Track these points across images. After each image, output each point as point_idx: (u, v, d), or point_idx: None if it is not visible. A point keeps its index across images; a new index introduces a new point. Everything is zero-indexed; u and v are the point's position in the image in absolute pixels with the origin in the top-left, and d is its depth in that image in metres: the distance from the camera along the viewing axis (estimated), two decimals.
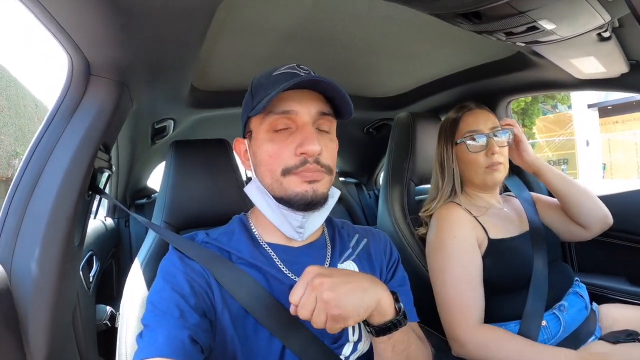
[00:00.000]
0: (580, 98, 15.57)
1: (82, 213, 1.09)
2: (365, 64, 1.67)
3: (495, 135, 1.41)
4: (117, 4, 0.80)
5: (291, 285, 0.86)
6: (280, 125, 0.89)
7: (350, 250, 0.99)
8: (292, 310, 0.77)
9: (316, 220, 0.95)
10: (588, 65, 1.35)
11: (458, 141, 1.45)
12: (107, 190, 2.69)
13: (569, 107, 16.68)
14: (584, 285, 1.40)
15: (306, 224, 0.93)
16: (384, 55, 1.58)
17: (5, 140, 13.79)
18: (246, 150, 0.99)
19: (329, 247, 1.01)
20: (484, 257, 1.31)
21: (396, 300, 0.82)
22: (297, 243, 0.97)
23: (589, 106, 15.53)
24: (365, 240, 1.00)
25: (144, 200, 2.92)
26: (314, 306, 0.73)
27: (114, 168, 1.27)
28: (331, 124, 0.95)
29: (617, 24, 1.11)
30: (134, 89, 1.17)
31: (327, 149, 0.91)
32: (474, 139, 1.41)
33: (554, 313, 1.27)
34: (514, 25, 0.97)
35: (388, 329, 0.81)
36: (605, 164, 14.06)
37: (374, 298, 0.77)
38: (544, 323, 1.23)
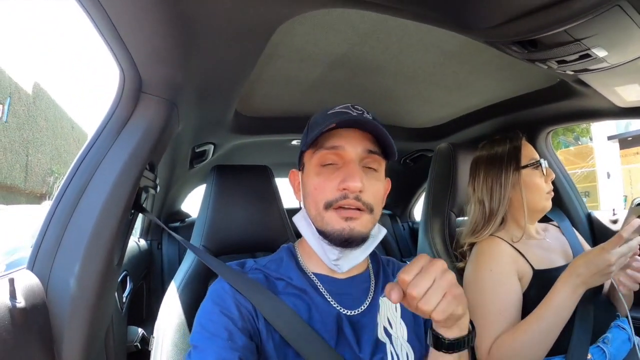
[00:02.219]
0: (601, 130, 15.43)
1: (124, 232, 1.09)
2: (407, 93, 1.67)
3: (544, 163, 1.43)
4: (181, 20, 0.81)
5: (336, 314, 0.91)
6: (327, 160, 0.93)
7: None
8: (391, 293, 0.74)
9: (354, 257, 0.96)
10: (631, 93, 1.35)
11: (525, 165, 1.43)
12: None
13: (590, 139, 16.53)
14: (624, 319, 1.35)
15: (342, 259, 0.94)
16: (426, 85, 1.58)
17: (42, 159, 14.20)
18: (299, 182, 1.02)
19: (373, 281, 1.02)
20: (529, 289, 1.29)
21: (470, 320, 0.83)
22: (342, 275, 0.99)
23: (609, 138, 15.33)
24: None
25: (177, 224, 2.94)
26: (429, 285, 0.72)
27: (158, 188, 1.28)
28: (379, 164, 0.97)
29: None
30: (182, 110, 1.18)
31: (370, 187, 0.92)
32: (540, 165, 1.42)
33: (598, 346, 1.23)
34: (567, 54, 0.98)
35: (462, 345, 0.79)
36: (626, 196, 13.82)
37: (467, 308, 0.79)
38: (589, 357, 1.20)
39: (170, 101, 1.08)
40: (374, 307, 0.97)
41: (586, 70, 1.13)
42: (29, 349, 0.78)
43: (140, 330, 1.81)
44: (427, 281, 0.72)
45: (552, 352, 1.19)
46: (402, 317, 0.99)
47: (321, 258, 0.97)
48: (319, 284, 0.96)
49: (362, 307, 0.96)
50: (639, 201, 1.16)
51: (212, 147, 1.94)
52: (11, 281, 0.78)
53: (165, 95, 1.05)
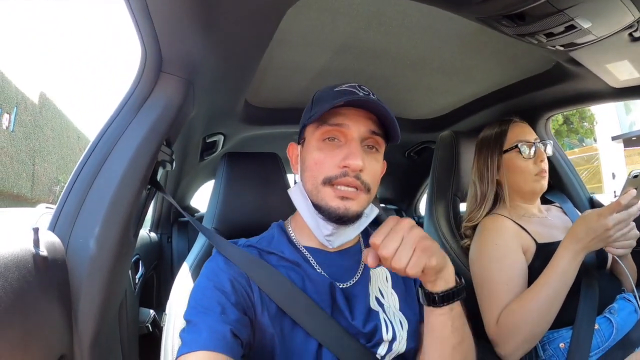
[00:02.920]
0: (605, 130, 15.39)
1: (141, 205, 1.13)
2: (408, 80, 1.71)
3: (538, 145, 1.47)
4: None
5: (328, 284, 0.94)
6: (330, 135, 0.95)
7: None
8: (368, 258, 0.79)
9: (346, 234, 0.99)
10: (623, 70, 1.38)
11: (507, 149, 1.49)
12: (152, 207, 2.81)
13: (594, 140, 16.47)
14: (630, 293, 1.38)
15: (335, 235, 0.98)
16: (426, 72, 1.62)
17: (48, 168, 14.29)
18: (297, 155, 1.05)
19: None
20: (533, 262, 1.33)
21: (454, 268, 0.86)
22: (332, 248, 1.02)
23: (613, 138, 15.31)
24: None
25: (187, 218, 2.97)
26: (398, 244, 0.76)
27: (174, 164, 1.31)
28: (380, 145, 0.99)
29: None
30: (198, 92, 1.22)
31: (370, 167, 0.95)
32: (525, 147, 1.46)
33: (605, 316, 1.26)
34: (553, 25, 1.03)
35: (451, 296, 0.82)
36: (615, 191, 13.76)
37: (444, 260, 0.81)
38: (596, 327, 1.22)
39: (187, 80, 1.12)
40: (365, 279, 1.00)
41: (574, 45, 1.18)
42: (49, 297, 0.82)
43: (152, 312, 1.85)
44: (395, 241, 0.76)
45: (560, 324, 1.23)
46: (394, 287, 1.03)
47: (314, 232, 1.00)
48: (310, 257, 1.00)
49: (354, 279, 0.99)
50: (635, 173, 1.18)
51: (222, 137, 1.99)
52: (36, 230, 0.82)
53: (183, 74, 1.10)
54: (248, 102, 1.75)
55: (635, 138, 14.99)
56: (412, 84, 1.76)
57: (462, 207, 1.82)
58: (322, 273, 0.97)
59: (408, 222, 0.78)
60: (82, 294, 0.91)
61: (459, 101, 2.02)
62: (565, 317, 1.22)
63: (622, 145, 15.27)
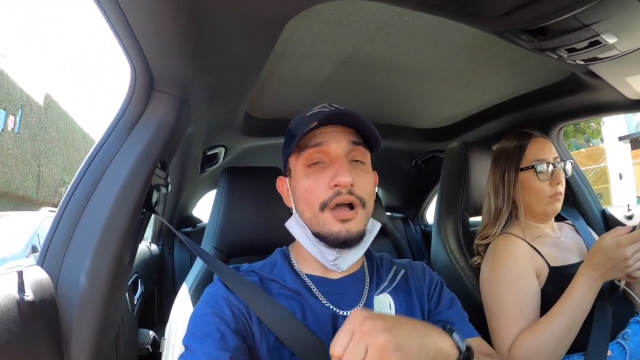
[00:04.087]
0: (612, 131, 15.32)
1: (135, 231, 1.08)
2: (417, 91, 1.66)
3: (556, 166, 1.42)
4: (193, 13, 0.81)
5: (330, 315, 0.91)
6: (313, 159, 0.95)
7: (386, 283, 1.03)
8: None
9: (351, 257, 0.96)
10: None
11: (524, 167, 1.43)
12: (152, 219, 2.76)
13: (601, 140, 16.42)
14: None
15: (340, 259, 0.95)
16: (436, 82, 1.57)
17: (53, 169, 14.40)
18: (287, 188, 1.03)
19: (367, 280, 1.03)
20: (545, 285, 1.30)
21: (450, 332, 0.77)
22: (336, 275, 1.00)
23: (620, 138, 15.23)
24: (402, 271, 1.07)
25: (189, 229, 2.94)
26: (363, 357, 0.63)
27: (169, 187, 1.27)
28: (364, 155, 0.99)
29: None
30: (194, 108, 1.18)
31: (360, 180, 0.93)
32: (542, 168, 1.40)
33: (618, 342, 1.22)
34: (577, 41, 0.97)
35: None
36: (639, 197, 13.69)
37: (434, 344, 0.71)
38: (609, 353, 1.19)
39: (181, 98, 1.07)
40: (369, 306, 0.97)
41: (596, 59, 1.12)
42: (37, 343, 0.78)
43: (152, 333, 1.81)
44: (359, 352, 0.63)
45: (572, 349, 1.19)
46: (396, 314, 0.98)
47: (318, 260, 0.98)
48: (312, 285, 0.97)
49: (358, 307, 0.95)
50: None
51: (222, 150, 1.94)
52: (20, 274, 0.78)
53: (176, 92, 1.05)
54: (249, 113, 1.70)
55: None
56: (420, 94, 1.71)
57: (473, 219, 1.77)
58: (325, 302, 0.94)
59: (370, 324, 0.65)
60: (74, 332, 0.86)
61: (468, 111, 1.96)
62: (577, 342, 1.18)
63: (629, 145, 15.21)
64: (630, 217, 1.95)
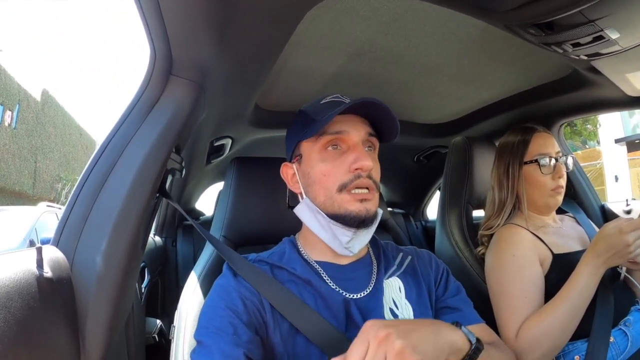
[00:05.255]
0: (608, 133, 15.39)
1: (149, 214, 1.09)
2: (423, 86, 1.68)
3: (559, 160, 1.45)
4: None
5: (342, 300, 0.92)
6: (332, 146, 0.97)
7: (395, 267, 1.05)
8: None
9: (364, 237, 0.99)
10: None
11: (527, 161, 1.46)
12: (159, 210, 2.77)
13: (598, 142, 16.48)
14: None
15: (354, 240, 0.97)
16: (443, 78, 1.59)
17: (50, 165, 14.37)
18: (294, 173, 1.05)
19: (375, 264, 1.05)
20: (549, 273, 1.33)
21: (459, 326, 0.79)
22: (344, 260, 1.02)
23: (617, 141, 15.31)
24: (409, 257, 1.09)
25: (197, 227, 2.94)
26: None
27: (184, 171, 1.28)
28: (376, 146, 1.03)
29: None
30: (208, 96, 1.18)
31: (375, 167, 0.98)
32: (545, 162, 1.44)
33: (620, 329, 1.25)
34: (582, 35, 1.01)
35: None
36: (635, 199, 13.79)
37: (447, 340, 0.73)
38: (611, 339, 1.22)
39: (198, 84, 1.08)
40: (378, 290, 0.98)
41: (599, 54, 1.16)
42: (54, 321, 0.78)
43: (159, 322, 1.82)
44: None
45: (576, 336, 1.22)
46: (407, 297, 1.00)
47: (330, 244, 0.99)
48: (322, 272, 0.98)
49: (367, 290, 0.98)
50: None
51: (230, 141, 1.95)
52: (39, 250, 0.78)
53: (194, 78, 1.06)
54: (258, 105, 1.71)
55: (638, 141, 15.04)
56: (426, 89, 1.73)
57: (476, 213, 1.80)
58: (335, 288, 0.96)
59: (385, 331, 0.67)
60: (90, 313, 0.86)
61: (472, 106, 1.98)
62: (580, 329, 1.21)
63: (625, 148, 15.27)
64: (628, 212, 2.00)
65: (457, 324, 0.80)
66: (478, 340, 0.79)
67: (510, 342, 1.24)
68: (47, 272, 0.77)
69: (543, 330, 1.19)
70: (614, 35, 1.02)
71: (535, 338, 1.20)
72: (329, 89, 1.57)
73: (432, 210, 3.26)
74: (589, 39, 1.04)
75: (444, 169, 1.87)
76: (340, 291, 0.95)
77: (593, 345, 1.21)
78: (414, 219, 3.23)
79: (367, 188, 0.95)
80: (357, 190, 0.94)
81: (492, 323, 1.27)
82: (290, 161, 1.07)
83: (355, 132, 0.96)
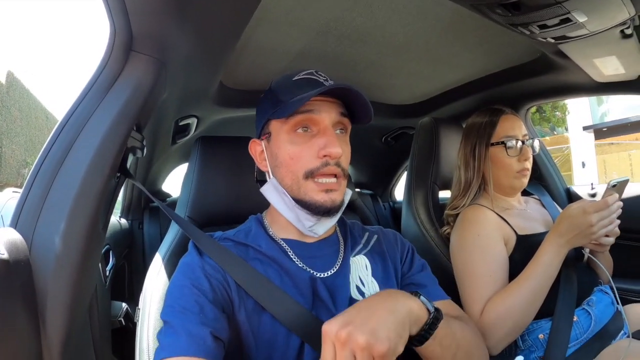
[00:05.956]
0: (577, 120, 15.75)
1: (109, 195, 1.06)
2: (391, 65, 1.66)
3: (525, 142, 1.46)
4: None
5: (308, 277, 0.92)
6: (302, 127, 0.94)
7: (361, 246, 1.06)
8: None
9: (328, 223, 0.99)
10: (609, 66, 1.39)
11: (494, 142, 1.47)
12: (122, 192, 2.72)
13: (566, 129, 16.84)
14: (607, 285, 1.42)
15: (318, 225, 0.97)
16: (410, 57, 1.58)
17: (16, 150, 13.98)
18: (262, 151, 1.03)
19: (342, 243, 1.05)
20: (512, 254, 1.35)
21: (417, 295, 0.80)
22: (311, 239, 1.02)
23: (584, 128, 15.73)
24: (375, 236, 1.10)
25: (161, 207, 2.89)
26: None
27: (145, 151, 1.25)
28: (347, 128, 1.00)
29: (637, 22, 1.15)
30: (170, 73, 1.15)
31: (345, 151, 0.96)
32: (512, 144, 1.45)
33: (584, 309, 1.30)
34: (548, 17, 1.01)
35: (429, 331, 0.78)
36: (592, 183, 14.27)
37: (404, 311, 0.75)
38: (575, 318, 1.25)
39: (159, 61, 1.05)
40: (345, 268, 0.99)
41: (566, 38, 1.17)
42: (13, 304, 0.76)
43: (124, 305, 1.80)
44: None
45: (540, 315, 1.25)
46: (373, 275, 1.01)
47: (295, 225, 0.99)
48: (288, 249, 0.98)
49: (334, 269, 0.98)
50: (614, 182, 1.21)
51: (195, 120, 1.91)
52: None
53: (155, 54, 1.03)
54: (223, 83, 1.68)
55: (606, 129, 15.55)
56: (394, 69, 1.71)
57: (442, 194, 1.81)
58: (302, 266, 0.96)
59: (345, 331, 0.68)
60: (49, 295, 0.84)
61: (440, 88, 1.99)
62: (544, 308, 1.24)
63: (592, 135, 15.68)
64: (593, 195, 2.05)
65: (416, 294, 0.81)
66: (437, 309, 0.80)
67: (475, 320, 1.26)
68: (3, 254, 0.75)
69: (507, 308, 1.21)
70: (581, 18, 1.02)
71: (499, 317, 1.22)
72: (296, 67, 1.54)
73: (400, 191, 3.28)
74: (556, 20, 1.04)
75: (411, 148, 1.88)
76: (307, 269, 0.95)
77: (557, 324, 1.23)
78: (382, 200, 3.24)
79: (334, 176, 0.93)
80: (323, 180, 0.92)
81: (457, 303, 1.30)
82: (259, 138, 1.04)
83: (327, 114, 0.93)
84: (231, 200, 1.27)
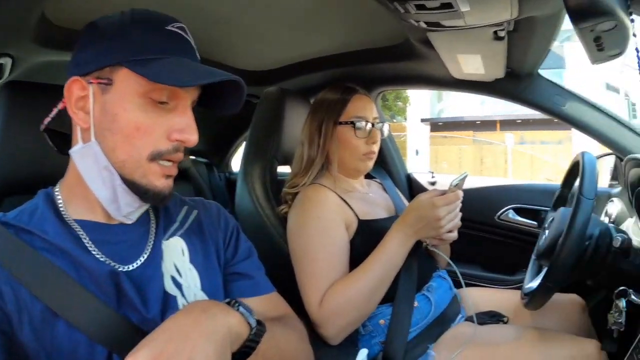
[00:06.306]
0: (415, 112, 17.25)
1: None
2: (247, 24, 1.53)
3: (375, 125, 1.45)
4: None
5: (108, 272, 0.75)
6: (162, 97, 0.74)
7: (177, 224, 0.90)
8: None
9: (146, 205, 0.84)
10: (470, 64, 1.43)
11: (343, 121, 1.43)
12: None
13: (405, 119, 18.30)
14: (444, 270, 1.48)
15: (138, 211, 0.83)
16: (271, 18, 1.47)
17: None
18: (86, 98, 0.76)
19: (153, 222, 0.87)
20: (354, 238, 1.33)
21: (237, 306, 0.71)
22: (114, 220, 0.82)
23: (422, 120, 17.31)
24: (195, 212, 0.94)
25: None
26: None
27: None
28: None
29: (512, 27, 1.17)
30: None
31: None
32: (361, 125, 1.41)
33: (423, 294, 1.33)
34: None
35: (252, 346, 0.70)
36: (432, 172, 15.95)
37: (223, 331, 0.65)
38: (415, 304, 1.27)
39: None
40: (156, 255, 0.82)
41: (439, 26, 1.13)
42: None
43: None
44: None
45: (381, 301, 1.24)
46: (192, 261, 0.87)
47: (106, 206, 0.79)
48: (82, 234, 0.77)
49: (142, 257, 0.81)
50: (455, 182, 1.23)
51: (9, 61, 1.53)
52: None
53: None
54: (47, 18, 1.41)
55: (441, 124, 17.35)
56: (244, 28, 1.57)
57: (281, 169, 1.74)
58: (99, 256, 0.76)
59: None
60: None
61: (294, 57, 1.90)
62: (385, 294, 1.24)
63: (429, 127, 17.38)
64: (433, 184, 2.16)
65: (235, 303, 0.71)
66: (259, 322, 0.72)
67: (314, 309, 1.21)
68: None
69: (349, 298, 1.19)
70: (464, 7, 0.98)
71: (340, 306, 1.19)
72: (138, 6, 1.34)
73: (238, 162, 3.18)
74: (437, 3, 0.98)
75: (253, 118, 1.76)
76: (107, 261, 0.77)
77: (397, 309, 1.25)
78: (218, 169, 3.08)
79: (176, 162, 0.80)
80: (165, 163, 0.77)
81: (294, 288, 1.26)
82: (84, 76, 0.76)
83: (190, 94, 0.78)
84: (45, 163, 1.04)
